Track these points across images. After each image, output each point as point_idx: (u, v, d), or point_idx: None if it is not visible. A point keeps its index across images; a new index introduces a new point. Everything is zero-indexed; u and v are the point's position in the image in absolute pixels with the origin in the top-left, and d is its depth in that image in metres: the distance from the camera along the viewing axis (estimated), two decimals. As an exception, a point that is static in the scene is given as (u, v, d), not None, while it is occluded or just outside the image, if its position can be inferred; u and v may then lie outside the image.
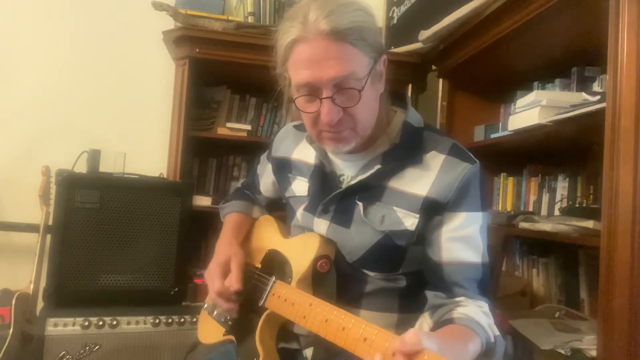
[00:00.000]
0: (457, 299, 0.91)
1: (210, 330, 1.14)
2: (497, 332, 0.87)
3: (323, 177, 1.06)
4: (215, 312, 1.14)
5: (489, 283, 0.97)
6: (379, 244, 0.96)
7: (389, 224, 0.95)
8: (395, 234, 0.95)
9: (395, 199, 0.96)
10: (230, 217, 1.25)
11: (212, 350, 1.11)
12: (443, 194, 0.93)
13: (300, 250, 1.01)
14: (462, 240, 0.93)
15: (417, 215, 0.94)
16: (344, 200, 1.01)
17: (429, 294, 0.96)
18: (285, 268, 1.03)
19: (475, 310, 0.87)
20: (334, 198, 1.01)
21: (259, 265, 1.12)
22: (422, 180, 0.95)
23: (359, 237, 0.98)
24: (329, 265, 0.97)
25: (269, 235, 1.18)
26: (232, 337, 1.06)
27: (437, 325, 0.87)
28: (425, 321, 0.94)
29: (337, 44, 0.85)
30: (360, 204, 0.98)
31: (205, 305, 1.19)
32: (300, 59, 0.88)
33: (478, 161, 0.97)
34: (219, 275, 1.05)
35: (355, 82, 0.87)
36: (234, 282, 1.03)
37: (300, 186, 1.11)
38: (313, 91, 0.89)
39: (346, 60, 0.86)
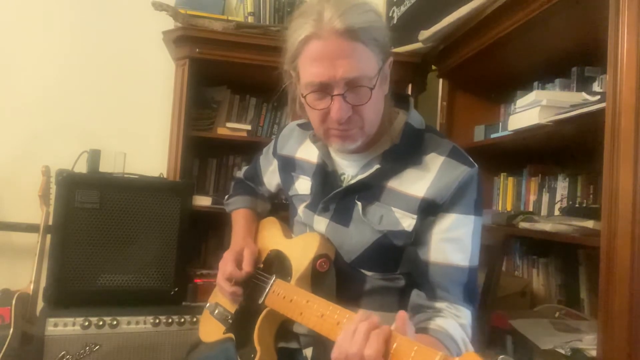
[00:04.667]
0: (438, 304, 0.92)
1: (211, 329, 1.15)
2: (471, 349, 0.87)
3: (325, 175, 1.07)
4: (216, 311, 1.15)
5: (476, 288, 0.97)
6: (376, 243, 0.97)
7: (387, 224, 0.96)
8: (393, 234, 0.96)
9: (393, 199, 0.96)
10: (239, 213, 1.29)
11: (211, 349, 1.12)
12: (440, 195, 0.93)
13: (301, 249, 1.02)
14: (452, 241, 0.94)
15: (415, 216, 0.95)
16: (344, 199, 1.01)
17: (413, 292, 0.97)
18: (286, 267, 1.04)
19: (451, 324, 0.87)
20: (335, 197, 1.02)
21: (261, 265, 1.12)
22: (420, 181, 0.95)
23: (357, 236, 0.98)
24: (329, 264, 0.98)
25: (271, 236, 1.19)
26: (231, 335, 1.07)
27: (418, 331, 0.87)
28: None
29: (351, 43, 0.86)
30: (359, 203, 0.98)
31: (208, 305, 1.20)
32: (313, 55, 0.88)
33: (477, 165, 0.97)
34: (232, 260, 1.08)
35: (367, 81, 0.89)
36: (246, 265, 1.08)
37: (303, 185, 1.12)
38: (324, 88, 0.89)
39: (359, 59, 0.87)
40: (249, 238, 1.19)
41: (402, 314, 0.72)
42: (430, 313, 0.90)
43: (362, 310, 0.78)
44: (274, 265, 1.09)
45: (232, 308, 1.12)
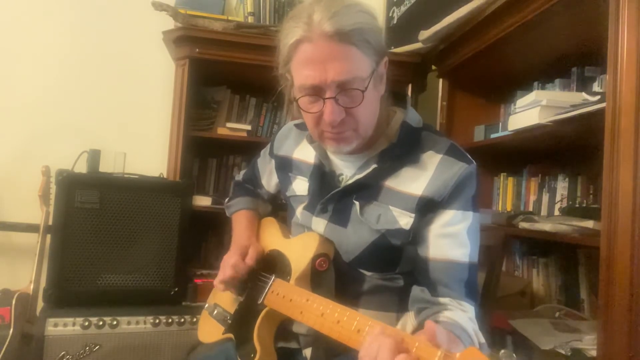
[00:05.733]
0: (442, 299, 0.91)
1: (210, 329, 1.16)
2: (483, 340, 0.87)
3: (322, 176, 1.07)
4: (215, 312, 1.15)
5: (477, 285, 0.96)
6: (375, 243, 0.97)
7: (385, 223, 0.96)
8: (390, 233, 0.96)
9: (391, 198, 0.96)
10: (241, 214, 1.28)
11: (211, 349, 1.12)
12: (438, 193, 0.93)
13: (300, 249, 1.02)
14: (450, 237, 0.93)
15: (413, 215, 0.95)
16: (342, 200, 1.01)
17: (415, 288, 0.96)
18: (285, 266, 1.04)
19: (461, 316, 0.87)
20: (332, 197, 1.02)
21: (260, 265, 1.12)
22: (418, 179, 0.95)
23: (355, 236, 0.98)
24: (328, 263, 0.98)
25: (270, 236, 1.20)
26: (231, 336, 1.07)
27: (422, 326, 0.87)
28: (409, 320, 0.94)
29: (341, 45, 0.86)
30: (357, 203, 0.98)
31: (207, 306, 1.20)
32: (304, 59, 0.88)
33: (475, 162, 0.97)
34: (237, 254, 1.09)
35: (359, 83, 0.88)
36: (248, 259, 1.08)
37: (300, 185, 1.12)
38: (316, 91, 0.89)
39: (350, 62, 0.87)
40: (253, 238, 1.19)
41: (430, 325, 0.67)
42: (435, 308, 0.90)
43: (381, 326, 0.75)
44: (273, 265, 1.09)
45: (231, 308, 1.13)
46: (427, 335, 0.66)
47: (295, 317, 0.92)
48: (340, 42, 0.86)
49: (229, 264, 1.07)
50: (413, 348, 0.65)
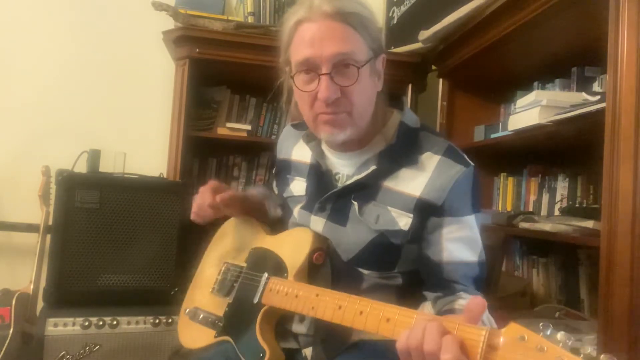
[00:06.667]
0: (456, 293, 0.93)
1: (197, 334, 1.12)
2: (495, 325, 0.87)
3: (320, 176, 1.07)
4: (201, 316, 1.12)
5: (485, 280, 0.98)
6: (373, 242, 0.97)
7: (384, 224, 0.96)
8: (390, 233, 0.96)
9: (389, 198, 0.97)
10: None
11: (206, 351, 1.09)
12: (436, 196, 0.94)
13: (293, 245, 1.02)
14: (462, 241, 0.95)
15: (411, 216, 0.95)
16: (340, 199, 1.01)
17: (429, 296, 0.97)
18: (277, 264, 1.03)
19: None
20: (331, 197, 1.02)
21: (245, 264, 1.11)
22: (416, 180, 0.96)
23: (354, 236, 0.98)
24: (324, 256, 0.99)
25: (250, 234, 1.18)
26: (226, 338, 1.05)
27: (439, 315, 0.88)
28: (426, 310, 0.95)
29: (340, 24, 0.90)
30: (355, 203, 0.99)
31: (187, 311, 1.16)
32: (303, 37, 0.91)
33: (472, 164, 0.97)
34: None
35: (354, 62, 0.91)
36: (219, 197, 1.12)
37: (298, 186, 1.12)
38: (312, 68, 0.91)
39: (347, 40, 0.90)
40: (240, 194, 1.21)
41: (479, 302, 0.66)
42: (450, 297, 0.92)
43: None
44: (260, 262, 1.07)
45: (218, 311, 1.10)
46: (473, 314, 0.66)
47: (306, 312, 0.91)
48: (338, 21, 0.89)
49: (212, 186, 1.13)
50: (454, 330, 0.65)
